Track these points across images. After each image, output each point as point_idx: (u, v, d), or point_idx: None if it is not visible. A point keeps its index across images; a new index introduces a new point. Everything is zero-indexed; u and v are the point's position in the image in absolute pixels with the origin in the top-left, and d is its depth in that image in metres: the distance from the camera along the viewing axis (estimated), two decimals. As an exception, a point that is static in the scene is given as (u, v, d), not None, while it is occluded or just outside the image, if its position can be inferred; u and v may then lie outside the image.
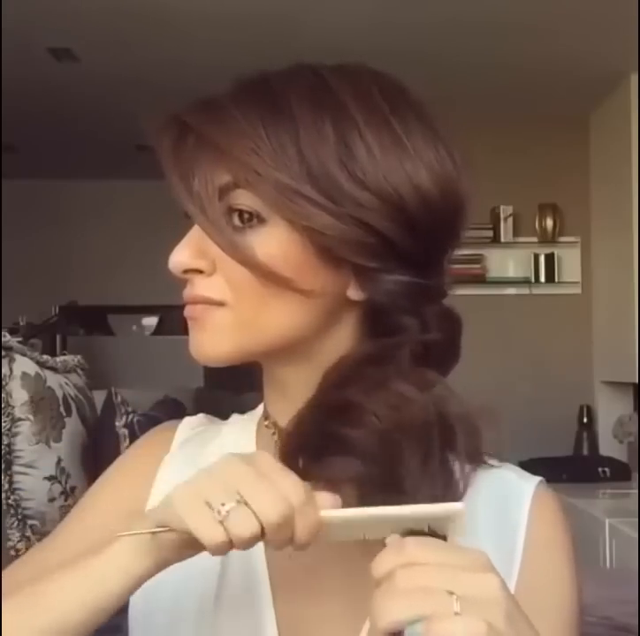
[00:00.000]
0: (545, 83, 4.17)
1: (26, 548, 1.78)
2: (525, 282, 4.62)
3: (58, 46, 3.77)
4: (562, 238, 4.61)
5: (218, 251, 0.65)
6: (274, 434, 0.73)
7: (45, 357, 1.97)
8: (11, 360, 1.83)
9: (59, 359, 2.09)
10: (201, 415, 0.82)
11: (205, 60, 3.90)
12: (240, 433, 0.78)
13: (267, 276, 0.64)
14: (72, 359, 2.18)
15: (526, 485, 0.74)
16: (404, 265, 0.66)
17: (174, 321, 5.22)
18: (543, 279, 4.59)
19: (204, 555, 0.58)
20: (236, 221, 0.65)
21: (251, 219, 0.65)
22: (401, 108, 0.68)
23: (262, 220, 0.64)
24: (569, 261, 4.63)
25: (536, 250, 4.61)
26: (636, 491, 3.22)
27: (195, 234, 0.67)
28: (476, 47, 3.77)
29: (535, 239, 4.62)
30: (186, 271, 0.67)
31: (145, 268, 6.40)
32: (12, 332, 2.05)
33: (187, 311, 0.68)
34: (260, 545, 0.63)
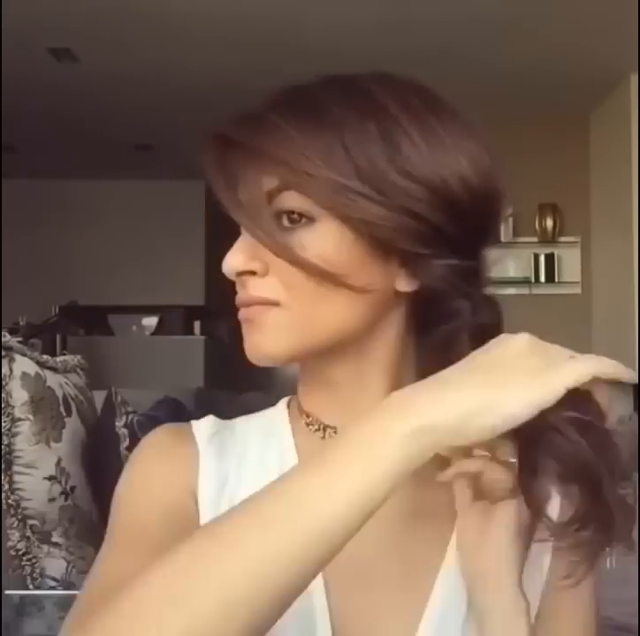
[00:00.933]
0: (545, 83, 4.17)
1: (27, 548, 1.78)
2: (525, 282, 4.62)
3: (58, 46, 3.77)
4: (562, 238, 4.62)
5: (270, 253, 0.66)
6: (319, 431, 0.73)
7: (45, 357, 1.97)
8: (11, 360, 1.83)
9: (59, 359, 2.09)
10: (210, 417, 0.81)
11: (205, 60, 3.91)
12: (271, 429, 0.78)
13: (319, 274, 0.66)
14: (72, 359, 2.18)
15: None
16: (453, 250, 0.69)
17: (174, 322, 5.23)
18: (543, 279, 4.59)
19: None
20: (285, 222, 0.67)
21: (300, 219, 0.67)
22: (436, 106, 0.72)
23: (311, 219, 0.66)
24: (569, 261, 4.63)
25: (536, 250, 4.61)
26: (636, 491, 3.22)
27: (247, 238, 0.69)
28: (476, 47, 3.77)
29: (535, 239, 4.62)
30: (239, 274, 0.69)
31: (145, 269, 6.42)
32: (12, 332, 2.05)
33: (242, 313, 0.70)
34: None
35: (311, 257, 0.66)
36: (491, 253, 0.75)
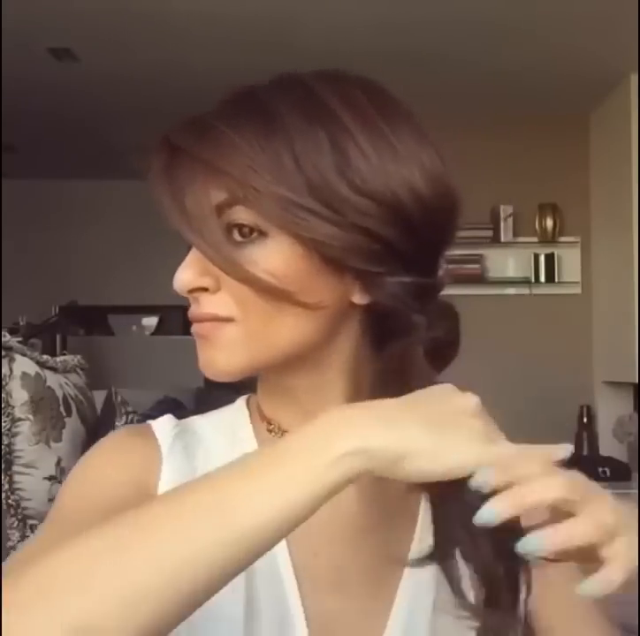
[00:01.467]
0: (545, 83, 4.17)
1: (26, 549, 1.78)
2: (525, 282, 4.62)
3: (58, 46, 3.77)
4: (562, 238, 4.62)
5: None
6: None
7: (45, 357, 1.97)
8: (11, 360, 1.83)
9: (59, 359, 2.09)
10: (169, 416, 0.80)
11: (205, 60, 3.91)
12: (233, 430, 0.77)
13: (269, 291, 0.64)
14: (72, 359, 2.18)
15: None
16: (405, 266, 0.67)
17: (174, 322, 5.22)
18: (543, 279, 4.59)
19: None
20: (236, 236, 0.65)
21: (252, 233, 0.65)
22: (388, 110, 0.70)
23: (263, 234, 0.65)
24: (569, 261, 4.63)
25: (536, 250, 4.61)
26: (636, 491, 3.22)
27: (197, 253, 0.67)
28: (476, 47, 3.77)
29: (535, 239, 4.62)
30: (191, 290, 0.67)
31: (145, 268, 6.42)
32: (12, 332, 2.05)
33: (195, 329, 0.69)
34: (283, 544, 0.65)
35: (261, 273, 0.64)
36: (443, 266, 0.74)
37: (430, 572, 0.69)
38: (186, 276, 0.67)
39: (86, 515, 0.63)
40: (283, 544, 0.71)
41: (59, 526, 0.64)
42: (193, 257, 0.67)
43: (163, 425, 0.77)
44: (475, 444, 0.54)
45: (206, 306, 0.67)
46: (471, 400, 0.57)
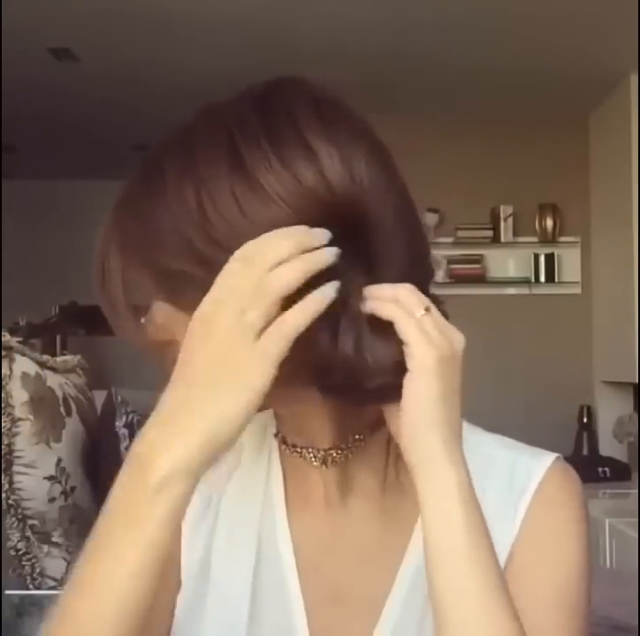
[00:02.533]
0: (545, 83, 4.17)
1: (27, 548, 1.78)
2: (525, 282, 4.62)
3: (58, 46, 3.77)
4: (562, 238, 4.62)
5: (177, 322, 0.63)
6: (294, 451, 0.72)
7: (45, 357, 1.97)
8: (11, 360, 1.83)
9: (59, 359, 2.09)
10: None
11: (204, 61, 3.91)
12: (263, 437, 0.78)
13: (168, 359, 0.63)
14: (72, 359, 2.18)
15: (540, 462, 0.75)
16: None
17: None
18: (543, 279, 4.59)
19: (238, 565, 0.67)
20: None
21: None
22: (270, 139, 0.62)
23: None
24: (569, 261, 4.63)
25: (536, 250, 4.61)
26: (636, 491, 3.22)
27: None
28: (476, 47, 3.77)
29: (535, 239, 4.62)
30: (154, 346, 0.68)
31: (145, 268, 6.42)
32: (12, 332, 2.05)
33: None
34: (290, 555, 0.70)
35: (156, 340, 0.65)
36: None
37: (421, 588, 0.70)
38: (152, 328, 0.66)
39: None
40: (290, 555, 0.73)
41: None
42: (156, 307, 0.66)
43: None
44: (237, 382, 0.56)
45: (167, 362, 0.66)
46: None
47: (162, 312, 0.65)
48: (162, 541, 0.57)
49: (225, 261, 0.58)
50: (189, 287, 0.61)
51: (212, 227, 0.60)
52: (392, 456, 0.71)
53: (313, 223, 0.59)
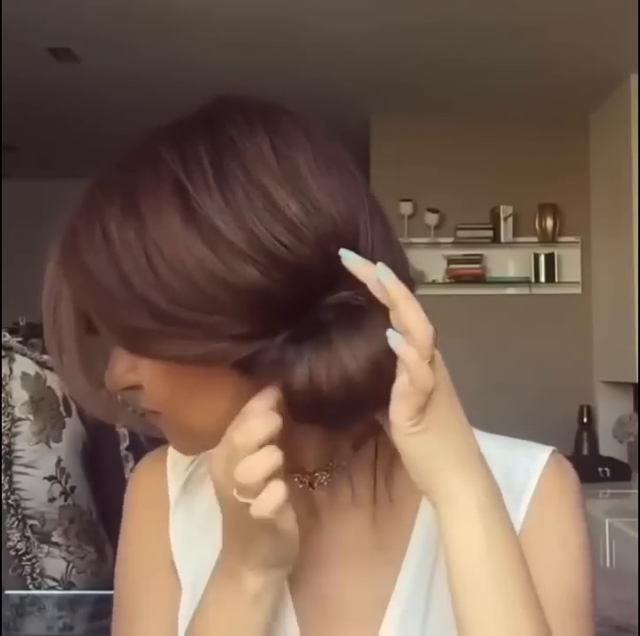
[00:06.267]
0: (545, 83, 4.17)
1: (27, 548, 1.78)
2: (525, 282, 4.62)
3: (58, 46, 3.77)
4: (562, 238, 4.62)
5: (143, 364, 0.63)
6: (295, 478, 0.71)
7: (45, 357, 1.97)
8: (11, 360, 1.83)
9: (59, 359, 2.09)
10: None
11: (205, 60, 3.91)
12: None
13: (162, 405, 0.64)
14: (72, 359, 2.18)
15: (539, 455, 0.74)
16: (246, 337, 0.60)
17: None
18: (543, 279, 4.59)
19: None
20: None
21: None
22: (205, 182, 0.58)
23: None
24: (569, 261, 4.63)
25: (536, 250, 4.61)
26: (636, 491, 3.22)
27: (118, 351, 0.65)
28: (476, 47, 3.77)
29: (535, 239, 4.62)
30: (123, 389, 0.66)
31: (145, 268, 6.42)
32: (12, 332, 2.05)
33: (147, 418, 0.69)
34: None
35: (149, 395, 0.64)
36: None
37: (419, 603, 0.70)
38: (114, 375, 0.65)
39: (136, 596, 0.76)
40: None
41: (116, 622, 0.78)
42: (116, 354, 0.65)
43: (174, 457, 0.79)
44: None
45: (142, 401, 0.65)
46: None
47: (122, 360, 0.64)
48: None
49: (189, 316, 0.56)
50: (151, 341, 0.58)
51: (166, 286, 0.57)
52: (381, 468, 0.70)
53: (284, 277, 0.57)
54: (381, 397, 0.59)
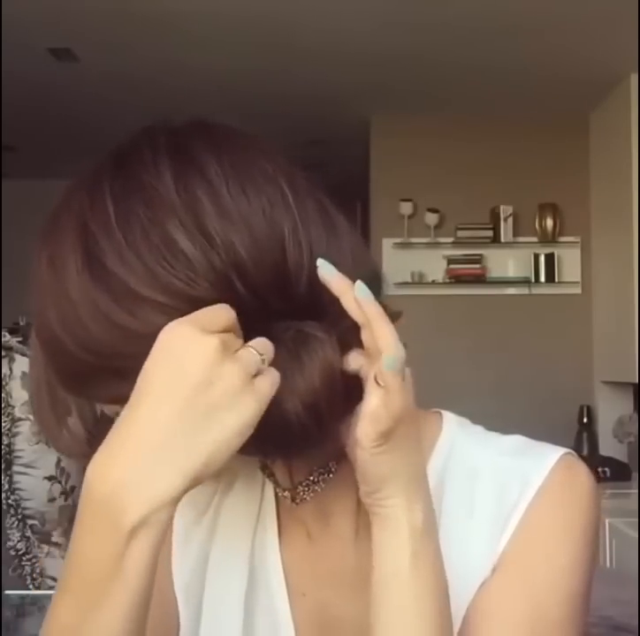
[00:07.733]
0: (545, 83, 4.17)
1: (27, 548, 1.78)
2: (525, 282, 4.62)
3: (58, 46, 3.77)
4: (562, 238, 4.62)
5: None
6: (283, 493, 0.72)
7: (45, 357, 1.97)
8: (11, 360, 1.83)
9: (59, 359, 2.09)
10: None
11: (205, 61, 3.91)
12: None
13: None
14: (72, 359, 2.18)
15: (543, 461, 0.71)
16: None
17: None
18: (543, 279, 4.59)
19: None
20: None
21: None
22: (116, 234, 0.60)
23: None
24: (569, 261, 4.63)
25: (536, 250, 4.61)
26: (636, 491, 3.22)
27: None
28: (476, 47, 3.77)
29: (535, 239, 4.62)
30: None
31: (145, 268, 6.43)
32: (12, 332, 2.05)
33: None
34: (281, 577, 0.71)
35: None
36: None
37: None
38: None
39: None
40: (281, 582, 0.73)
41: None
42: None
43: None
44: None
45: None
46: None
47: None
48: (147, 583, 0.55)
49: (96, 361, 0.58)
50: (85, 385, 0.62)
51: (74, 333, 0.60)
52: None
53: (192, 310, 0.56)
54: (319, 437, 0.59)
